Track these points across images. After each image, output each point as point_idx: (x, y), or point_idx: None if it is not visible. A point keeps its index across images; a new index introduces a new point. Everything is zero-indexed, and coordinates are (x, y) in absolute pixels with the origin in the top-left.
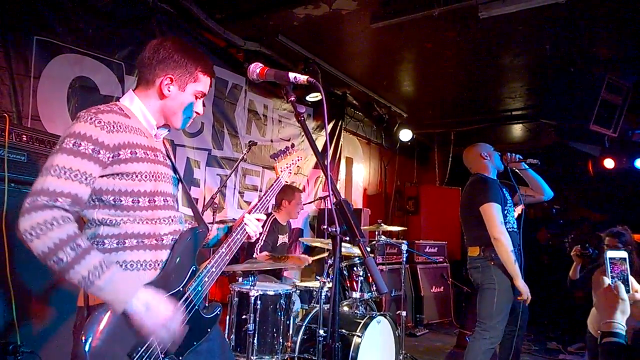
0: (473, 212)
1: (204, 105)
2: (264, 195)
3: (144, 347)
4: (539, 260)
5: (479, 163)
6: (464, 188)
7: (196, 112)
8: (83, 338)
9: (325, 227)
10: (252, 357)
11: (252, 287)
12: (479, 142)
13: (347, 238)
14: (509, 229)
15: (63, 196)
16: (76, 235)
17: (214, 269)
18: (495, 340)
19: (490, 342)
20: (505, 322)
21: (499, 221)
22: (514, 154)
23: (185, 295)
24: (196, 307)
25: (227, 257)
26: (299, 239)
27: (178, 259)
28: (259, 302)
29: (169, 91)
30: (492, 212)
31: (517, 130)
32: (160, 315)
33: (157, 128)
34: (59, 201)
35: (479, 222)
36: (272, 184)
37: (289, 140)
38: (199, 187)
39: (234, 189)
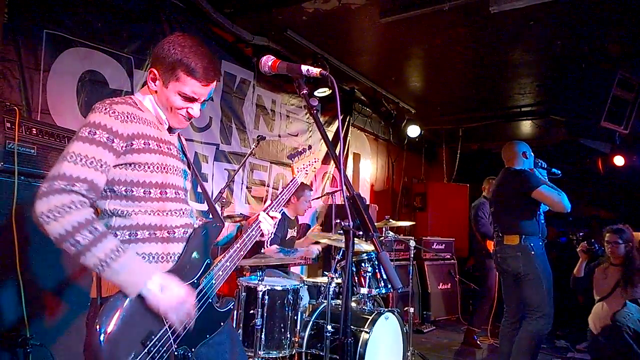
0: (517, 202)
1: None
2: (279, 194)
3: (158, 336)
4: (548, 257)
5: (517, 159)
6: (499, 180)
7: (189, 114)
8: (97, 327)
9: (337, 221)
10: (259, 352)
11: (260, 282)
12: (487, 138)
13: (360, 233)
14: (541, 221)
15: (80, 181)
16: (93, 219)
17: (228, 264)
18: (550, 325)
19: (547, 328)
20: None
21: (556, 195)
22: (542, 162)
23: (200, 287)
24: (210, 300)
25: (242, 253)
26: (307, 234)
27: (193, 252)
28: (266, 297)
29: (155, 85)
30: (546, 193)
31: (527, 126)
32: (174, 296)
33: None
34: (76, 186)
35: (522, 211)
36: (289, 184)
37: (296, 136)
38: (207, 182)
39: (242, 184)
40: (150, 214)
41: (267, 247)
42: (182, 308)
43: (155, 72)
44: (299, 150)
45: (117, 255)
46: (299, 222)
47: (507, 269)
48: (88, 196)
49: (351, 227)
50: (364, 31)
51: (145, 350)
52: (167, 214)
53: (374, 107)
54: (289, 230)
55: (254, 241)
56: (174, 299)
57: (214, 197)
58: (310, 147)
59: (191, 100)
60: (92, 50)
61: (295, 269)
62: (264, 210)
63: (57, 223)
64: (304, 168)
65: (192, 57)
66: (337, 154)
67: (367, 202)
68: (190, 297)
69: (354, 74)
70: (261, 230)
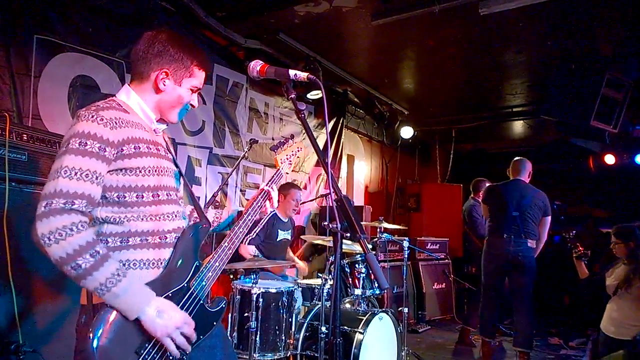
0: (539, 216)
1: (201, 96)
2: (265, 186)
3: (152, 344)
4: (542, 257)
5: (526, 175)
6: (524, 189)
7: (191, 105)
8: (91, 335)
9: (326, 224)
10: (254, 355)
11: (254, 285)
12: (480, 138)
13: (348, 235)
14: None
15: (78, 197)
16: (95, 242)
17: (217, 264)
18: None
19: None
20: None
21: None
22: None
23: (190, 291)
24: (201, 302)
25: (230, 251)
26: (301, 236)
27: (181, 256)
28: (261, 299)
29: (165, 85)
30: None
31: (518, 126)
32: (172, 322)
33: (156, 122)
34: (75, 204)
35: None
36: (273, 176)
37: (290, 138)
38: (201, 185)
39: (236, 187)
40: (143, 220)
41: (244, 244)
42: (180, 332)
43: (168, 72)
44: (281, 140)
45: (117, 279)
46: (294, 225)
47: (527, 265)
48: (87, 212)
49: (339, 229)
50: (356, 34)
51: None
52: (160, 218)
53: (367, 109)
54: (279, 231)
55: (242, 238)
56: (172, 325)
57: (207, 201)
58: (292, 136)
59: (196, 91)
60: (83, 55)
61: (290, 272)
62: (249, 205)
63: (59, 246)
64: (287, 158)
65: (197, 51)
66: (327, 157)
67: (361, 204)
68: (188, 322)
69: (346, 76)
70: (264, 208)
